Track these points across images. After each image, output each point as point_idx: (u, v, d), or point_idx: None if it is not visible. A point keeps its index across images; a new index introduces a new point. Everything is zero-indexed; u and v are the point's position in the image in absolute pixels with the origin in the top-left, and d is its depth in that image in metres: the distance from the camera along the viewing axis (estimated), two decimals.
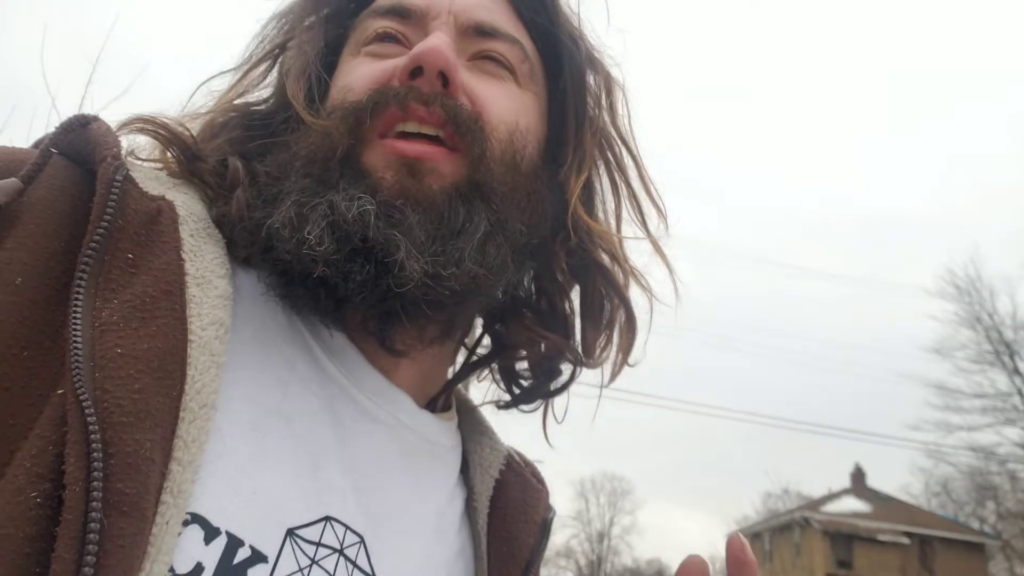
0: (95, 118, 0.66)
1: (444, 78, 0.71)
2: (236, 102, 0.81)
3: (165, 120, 0.75)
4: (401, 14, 0.78)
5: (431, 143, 0.70)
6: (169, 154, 0.75)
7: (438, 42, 0.72)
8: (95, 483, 0.46)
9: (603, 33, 0.87)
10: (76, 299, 0.53)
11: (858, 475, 29.13)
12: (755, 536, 30.09)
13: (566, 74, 0.83)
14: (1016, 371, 20.85)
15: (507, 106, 0.76)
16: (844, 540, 26.19)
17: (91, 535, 0.45)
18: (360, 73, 0.75)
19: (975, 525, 25.89)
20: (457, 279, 0.67)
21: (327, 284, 0.66)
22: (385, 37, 0.78)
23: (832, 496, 28.97)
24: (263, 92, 0.83)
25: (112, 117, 0.69)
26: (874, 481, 29.02)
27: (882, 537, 25.83)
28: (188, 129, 0.77)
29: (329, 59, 0.81)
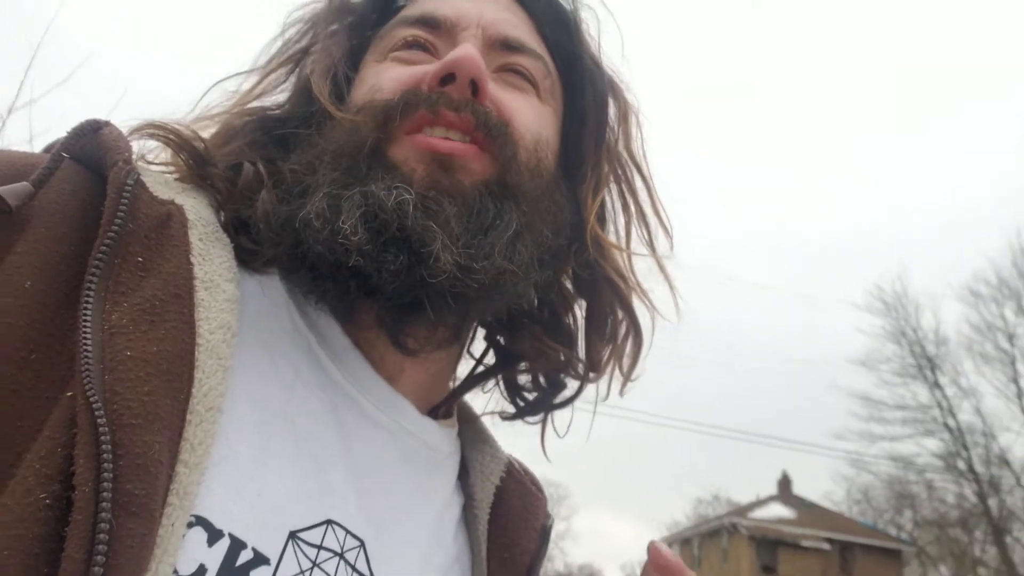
0: (107, 123, 0.66)
1: (474, 86, 0.73)
2: (252, 105, 0.82)
3: (176, 126, 0.76)
4: (431, 24, 0.80)
5: (460, 143, 0.71)
6: (179, 159, 0.75)
7: (471, 51, 0.73)
8: (105, 484, 0.46)
9: (615, 54, 0.90)
10: (86, 302, 0.53)
11: (784, 482, 29.99)
12: (685, 542, 30.66)
13: (588, 97, 0.86)
14: (937, 384, 21.82)
15: (531, 116, 0.79)
16: (769, 545, 26.88)
17: (101, 535, 0.45)
18: (389, 75, 0.76)
19: (893, 532, 26.90)
20: (487, 273, 0.68)
21: (359, 275, 0.66)
22: (414, 45, 0.79)
23: (759, 503, 29.75)
24: (279, 97, 0.84)
25: (122, 122, 0.70)
26: (800, 488, 29.94)
27: (805, 543, 26.62)
28: (199, 135, 0.77)
29: (351, 66, 0.82)
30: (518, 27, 0.82)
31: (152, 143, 0.75)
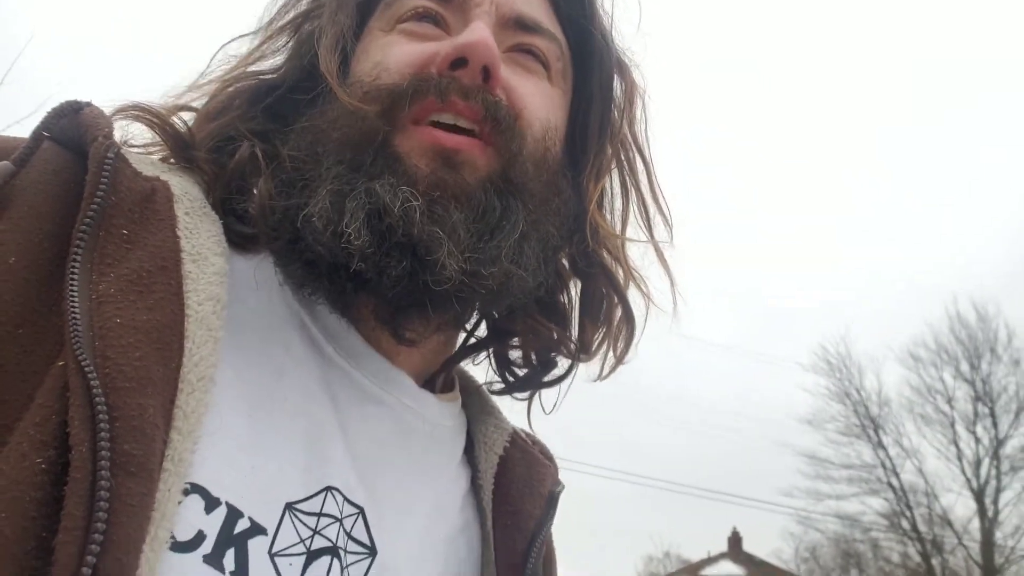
0: (88, 104, 0.66)
1: (485, 72, 0.70)
2: (248, 69, 0.79)
3: (158, 109, 0.74)
4: None
5: (466, 135, 0.69)
6: (163, 142, 0.74)
7: (485, 35, 0.70)
8: (103, 443, 0.46)
9: (628, 29, 0.88)
10: (72, 273, 0.53)
11: (735, 539, 30.01)
12: None
13: (595, 79, 0.84)
14: (880, 444, 22.26)
15: (542, 103, 0.77)
16: None
17: (101, 492, 0.45)
18: (396, 52, 0.74)
19: None
20: (495, 278, 0.67)
21: (358, 277, 0.65)
22: (424, 16, 0.76)
23: (710, 560, 29.64)
24: (276, 60, 0.81)
25: (105, 104, 0.69)
26: (749, 546, 29.97)
27: None
28: (188, 108, 0.76)
29: (356, 31, 0.79)
30: (532, 3, 0.79)
31: (136, 129, 0.74)
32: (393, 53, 0.73)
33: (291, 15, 0.82)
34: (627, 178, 0.87)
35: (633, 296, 0.86)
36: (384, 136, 0.68)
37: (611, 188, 0.87)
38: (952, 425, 21.78)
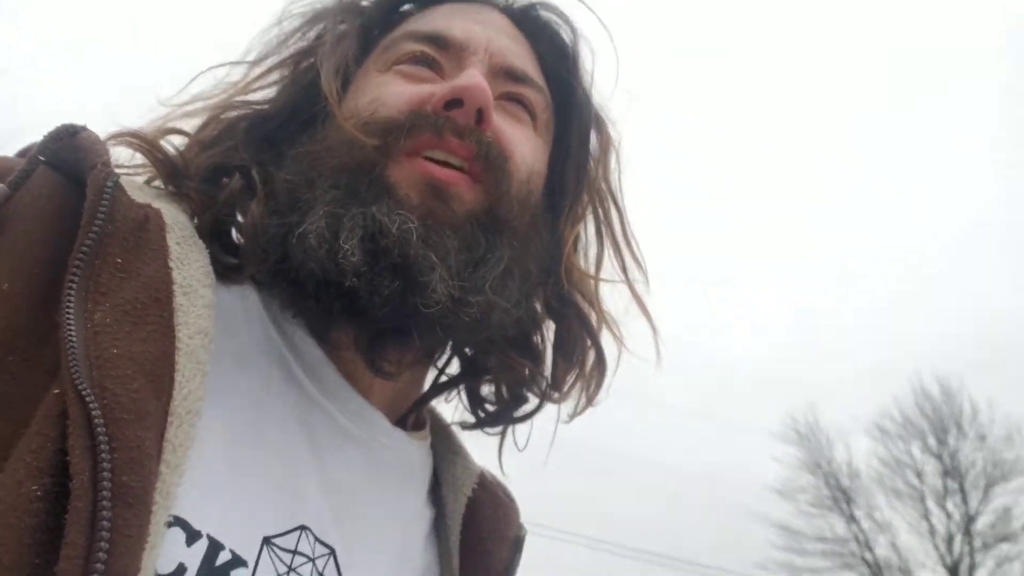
0: (84, 128, 0.66)
1: (479, 115, 0.73)
2: (240, 98, 0.81)
3: (151, 138, 0.76)
4: (439, 43, 0.80)
5: (456, 171, 0.72)
6: (155, 169, 0.75)
7: (481, 80, 0.74)
8: (104, 474, 0.46)
9: (607, 84, 0.93)
10: (68, 300, 0.53)
11: None
12: None
13: (574, 131, 0.88)
14: (852, 518, 22.19)
15: (528, 150, 0.80)
16: None
17: (103, 522, 0.45)
18: (393, 90, 0.76)
19: None
20: (479, 307, 0.69)
21: (348, 296, 0.66)
22: (420, 60, 0.79)
23: None
24: (268, 92, 0.83)
25: (99, 130, 0.70)
26: None
27: None
28: (179, 131, 0.77)
29: (352, 68, 0.82)
30: (522, 57, 0.83)
31: (126, 152, 0.75)
32: (390, 91, 0.76)
33: (292, 50, 0.84)
34: (602, 226, 0.91)
35: (608, 340, 0.89)
36: (378, 166, 0.70)
37: (586, 235, 0.91)
38: (923, 500, 21.85)
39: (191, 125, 0.80)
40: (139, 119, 0.79)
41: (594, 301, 0.88)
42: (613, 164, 0.93)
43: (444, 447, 0.90)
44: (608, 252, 0.91)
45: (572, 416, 0.90)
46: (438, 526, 0.84)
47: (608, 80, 0.92)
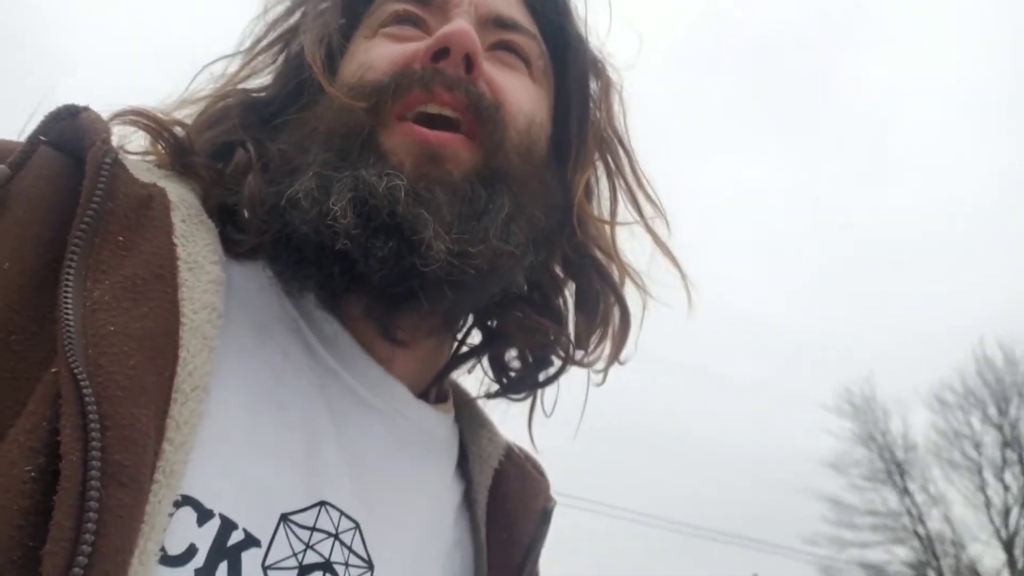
0: (85, 107, 0.65)
1: (468, 62, 0.71)
2: (237, 87, 0.80)
3: (156, 114, 0.75)
4: (422, 0, 0.78)
5: (449, 130, 0.70)
6: (160, 148, 0.74)
7: (465, 25, 0.72)
8: (93, 453, 0.46)
9: (604, 31, 0.90)
10: (67, 279, 0.53)
11: None
12: None
13: (571, 76, 0.85)
14: (906, 491, 21.64)
15: (525, 97, 0.77)
16: None
17: (91, 503, 0.44)
18: (380, 53, 0.75)
19: None
20: (484, 256, 0.67)
21: (344, 260, 0.65)
22: (404, 19, 0.78)
23: None
24: (264, 79, 0.82)
25: (101, 108, 0.69)
26: None
27: None
28: (181, 122, 0.76)
29: (342, 42, 0.80)
30: (510, 4, 0.81)
31: (132, 133, 0.74)
32: (377, 53, 0.75)
33: (279, 31, 0.83)
34: (612, 171, 0.88)
35: (632, 295, 0.86)
36: (369, 131, 0.69)
37: (598, 186, 0.88)
38: (980, 472, 21.18)
39: (190, 117, 0.79)
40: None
41: (612, 252, 0.86)
42: (616, 107, 0.90)
43: (469, 420, 0.89)
44: (622, 197, 0.88)
45: (601, 372, 0.87)
46: (468, 499, 0.84)
47: (605, 22, 0.90)
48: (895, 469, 21.85)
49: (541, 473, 0.91)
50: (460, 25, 0.72)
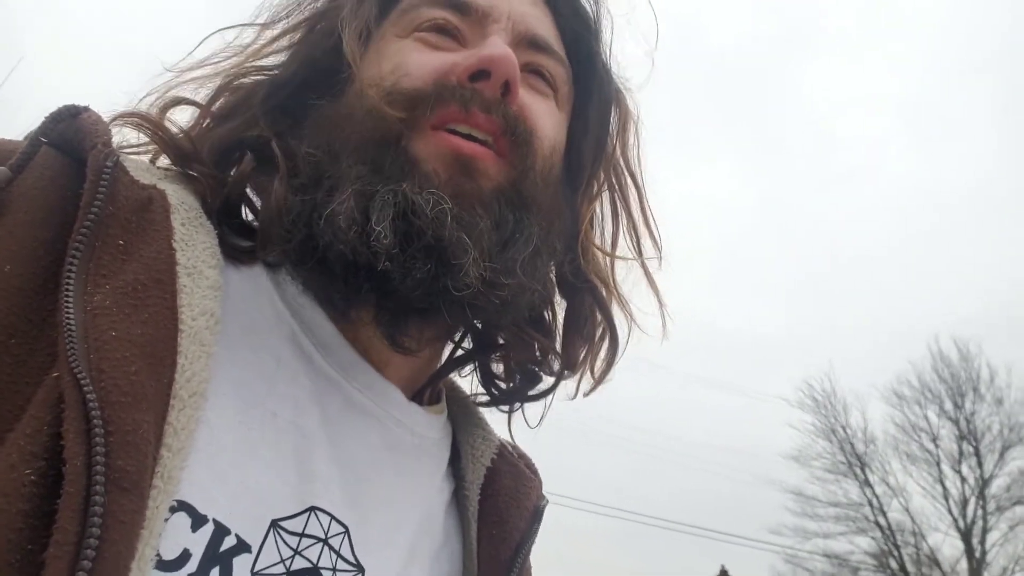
0: (86, 108, 0.65)
1: (505, 87, 0.71)
2: (255, 63, 0.79)
3: (158, 118, 0.74)
4: (461, 9, 0.77)
5: (482, 145, 0.70)
6: (164, 153, 0.73)
7: (508, 51, 0.71)
8: (97, 458, 0.46)
9: (626, 55, 0.90)
10: (67, 284, 0.53)
11: None
12: None
13: (594, 103, 0.85)
14: (867, 483, 22.22)
15: (551, 123, 0.78)
16: None
17: (95, 508, 0.44)
18: (417, 59, 0.74)
19: None
20: (510, 290, 0.68)
21: (379, 278, 0.65)
22: (441, 29, 0.76)
23: None
24: (286, 56, 0.80)
25: (103, 110, 0.69)
26: None
27: None
28: (180, 128, 0.75)
29: (372, 30, 0.79)
30: (545, 25, 0.80)
31: (132, 134, 0.73)
32: (414, 59, 0.74)
33: (308, 12, 0.81)
34: (618, 202, 0.89)
35: (618, 317, 0.88)
36: (403, 139, 0.68)
37: (602, 211, 0.89)
38: (938, 464, 21.83)
39: (201, 94, 0.77)
40: (146, 86, 0.77)
41: (607, 278, 0.87)
42: (632, 140, 0.91)
43: (463, 419, 0.89)
44: (623, 230, 0.89)
45: (585, 393, 0.88)
46: (458, 497, 0.84)
47: (630, 50, 0.89)
48: (856, 461, 22.42)
49: (534, 472, 0.91)
50: (504, 50, 0.71)
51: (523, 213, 0.71)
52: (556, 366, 0.86)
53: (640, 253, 0.88)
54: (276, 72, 0.79)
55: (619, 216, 0.89)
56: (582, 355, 0.86)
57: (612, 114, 0.88)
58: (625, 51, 0.89)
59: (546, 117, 0.77)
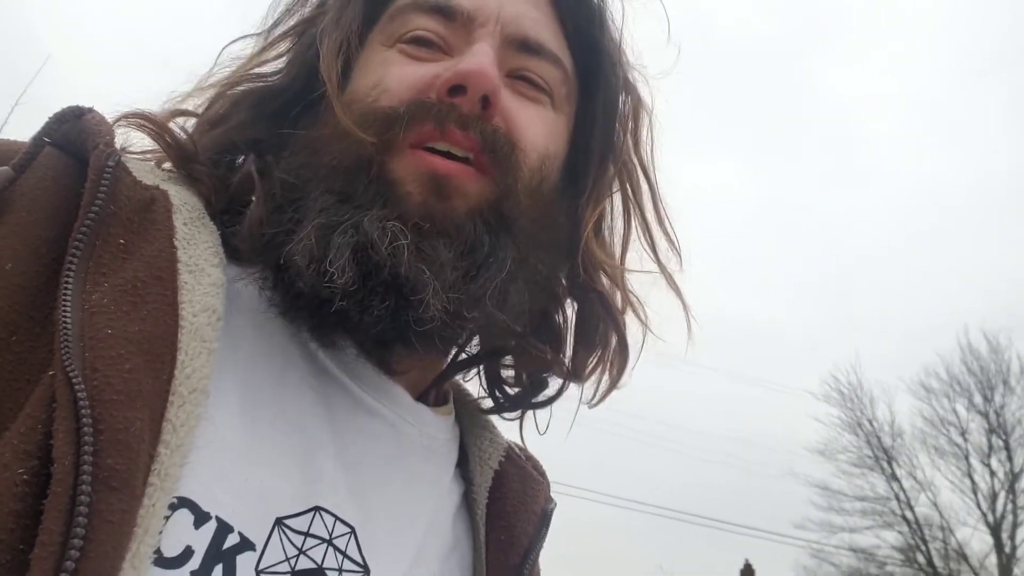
0: (90, 109, 0.65)
1: (484, 100, 0.70)
2: (250, 72, 0.79)
3: (161, 119, 0.74)
4: (446, 15, 0.75)
5: (461, 163, 0.69)
6: (166, 154, 0.74)
7: (486, 63, 0.70)
8: (85, 457, 0.45)
9: (640, 43, 0.85)
10: (66, 281, 0.53)
11: (747, 572, 29.57)
12: None
13: (600, 97, 0.82)
14: (894, 476, 21.92)
15: (541, 131, 0.75)
16: None
17: (80, 507, 0.44)
18: (397, 74, 0.73)
19: None
20: (475, 322, 0.68)
21: (338, 313, 0.64)
22: (422, 41, 0.75)
23: None
24: (278, 64, 0.80)
25: (108, 112, 0.69)
26: None
27: None
28: (185, 126, 0.76)
29: (360, 37, 0.77)
30: (539, 23, 0.77)
31: (136, 135, 0.73)
32: (393, 74, 0.73)
33: (294, 20, 0.81)
34: (630, 201, 0.85)
35: (632, 321, 0.84)
36: (375, 165, 0.68)
37: (612, 210, 0.86)
38: (966, 458, 21.47)
39: (201, 106, 0.78)
40: (160, 102, 0.78)
41: (618, 284, 0.83)
42: (644, 133, 0.85)
43: (470, 421, 0.88)
44: (636, 232, 0.85)
45: (595, 402, 0.86)
46: (468, 500, 0.83)
47: (642, 40, 0.83)
48: (882, 455, 22.10)
49: (542, 474, 0.90)
50: (481, 64, 0.69)
51: (501, 235, 0.69)
52: (564, 373, 0.85)
53: (656, 254, 0.85)
54: (271, 80, 0.79)
55: (631, 217, 0.85)
56: (591, 364, 0.84)
57: (622, 105, 0.84)
58: (637, 40, 0.84)
59: (535, 126, 0.74)
